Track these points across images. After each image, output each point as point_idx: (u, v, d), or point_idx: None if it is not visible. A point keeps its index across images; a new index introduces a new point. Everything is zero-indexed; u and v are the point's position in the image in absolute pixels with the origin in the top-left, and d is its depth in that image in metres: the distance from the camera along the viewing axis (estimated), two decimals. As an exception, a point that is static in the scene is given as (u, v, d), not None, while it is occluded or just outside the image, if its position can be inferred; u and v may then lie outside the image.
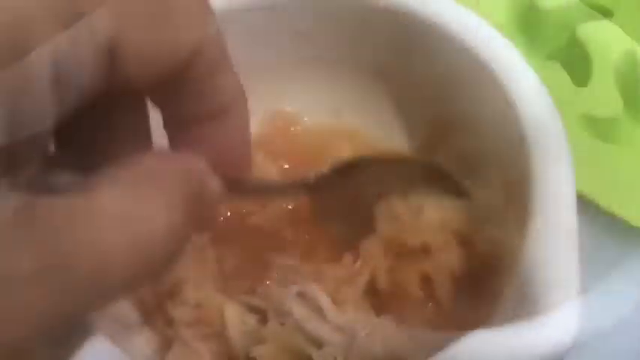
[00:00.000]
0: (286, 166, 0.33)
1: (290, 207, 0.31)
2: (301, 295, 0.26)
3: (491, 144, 0.28)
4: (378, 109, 0.33)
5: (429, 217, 0.28)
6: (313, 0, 0.29)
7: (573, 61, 0.36)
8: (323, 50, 0.32)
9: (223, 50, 0.19)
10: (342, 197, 0.28)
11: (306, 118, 0.34)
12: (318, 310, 0.26)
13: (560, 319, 0.17)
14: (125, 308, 0.28)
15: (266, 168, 0.32)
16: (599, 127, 0.34)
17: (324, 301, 0.26)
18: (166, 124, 0.20)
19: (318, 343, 0.25)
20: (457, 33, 0.27)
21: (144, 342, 0.27)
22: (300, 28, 0.31)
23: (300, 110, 0.34)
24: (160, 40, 0.17)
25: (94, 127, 0.18)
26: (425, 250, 0.28)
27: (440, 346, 0.18)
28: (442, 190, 0.28)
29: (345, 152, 0.33)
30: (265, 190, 0.26)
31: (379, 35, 0.30)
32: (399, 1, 0.28)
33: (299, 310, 0.26)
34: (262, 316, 0.27)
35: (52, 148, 0.19)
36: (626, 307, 0.27)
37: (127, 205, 0.15)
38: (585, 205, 0.31)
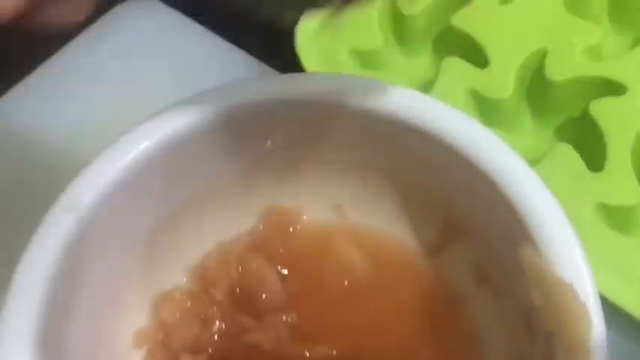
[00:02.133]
0: (285, 272, 0.31)
1: (290, 320, 0.29)
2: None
3: (499, 254, 0.27)
4: (381, 207, 0.31)
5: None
6: (308, 106, 0.28)
7: (586, 142, 0.34)
8: (322, 152, 0.30)
9: None
10: None
11: (305, 217, 0.32)
12: None
13: None
14: None
15: (266, 275, 0.31)
16: (617, 218, 0.31)
17: None
18: None
19: None
20: (455, 142, 0.26)
21: None
22: (294, 132, 0.29)
23: (299, 207, 0.32)
24: None
25: None
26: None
27: None
28: None
29: (349, 253, 0.31)
30: None
31: (377, 140, 0.28)
32: (399, 110, 0.26)
33: None
34: None
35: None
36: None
37: None
38: (605, 308, 0.29)
